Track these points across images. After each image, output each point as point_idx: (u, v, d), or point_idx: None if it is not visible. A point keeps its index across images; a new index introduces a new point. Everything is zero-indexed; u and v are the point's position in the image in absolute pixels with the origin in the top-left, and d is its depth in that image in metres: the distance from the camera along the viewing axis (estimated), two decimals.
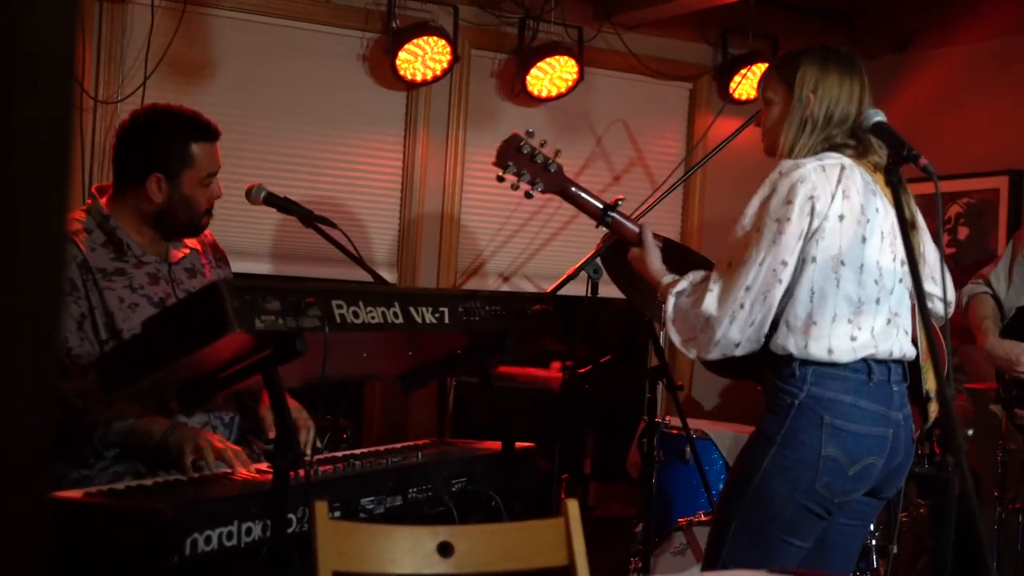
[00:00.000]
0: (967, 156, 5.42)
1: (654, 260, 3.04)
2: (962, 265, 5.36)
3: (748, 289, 2.76)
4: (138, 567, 2.45)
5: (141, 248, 3.28)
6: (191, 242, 3.45)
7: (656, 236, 3.12)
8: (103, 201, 3.30)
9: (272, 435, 3.20)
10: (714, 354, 2.87)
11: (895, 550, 4.25)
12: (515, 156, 3.13)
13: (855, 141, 2.89)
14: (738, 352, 2.84)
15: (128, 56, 4.70)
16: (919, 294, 2.39)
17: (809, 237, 2.77)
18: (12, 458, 0.85)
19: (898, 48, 5.95)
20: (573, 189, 3.16)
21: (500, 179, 3.14)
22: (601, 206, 3.12)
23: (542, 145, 3.15)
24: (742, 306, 2.77)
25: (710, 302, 2.79)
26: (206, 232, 3.52)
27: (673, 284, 2.93)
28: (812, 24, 5.90)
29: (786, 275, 2.77)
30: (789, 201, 2.75)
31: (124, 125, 3.35)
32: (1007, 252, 3.86)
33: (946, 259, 5.43)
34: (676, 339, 2.92)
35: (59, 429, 2.79)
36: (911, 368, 2.96)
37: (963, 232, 5.57)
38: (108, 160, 4.65)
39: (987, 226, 5.47)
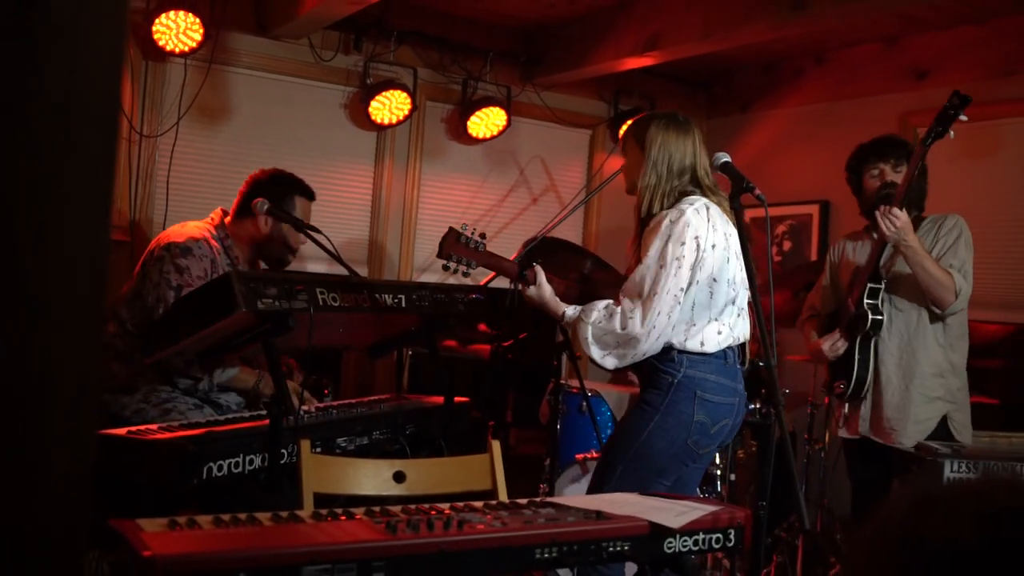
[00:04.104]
0: (790, 189, 5.50)
1: (548, 296, 2.95)
2: (786, 268, 5.44)
3: (660, 313, 2.75)
4: (167, 488, 2.44)
5: (244, 264, 3.42)
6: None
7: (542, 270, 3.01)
8: (227, 221, 3.42)
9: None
10: (628, 363, 2.84)
11: (733, 478, 4.32)
12: (455, 247, 2.96)
13: (698, 186, 2.88)
14: (646, 357, 2.83)
15: (166, 101, 4.63)
16: (754, 293, 2.44)
17: (695, 266, 2.77)
18: (64, 405, 0.85)
19: (742, 109, 6.02)
20: (493, 259, 3.02)
21: (445, 268, 2.97)
22: (516, 269, 2.99)
23: (472, 233, 2.99)
24: (655, 325, 2.76)
25: (634, 326, 2.76)
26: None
27: (585, 314, 2.85)
28: (681, 88, 5.96)
29: (683, 298, 2.77)
30: (683, 243, 2.75)
31: (257, 175, 3.48)
32: (818, 283, 3.91)
33: (774, 263, 5.53)
34: (596, 354, 2.84)
35: (185, 368, 2.87)
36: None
37: (787, 245, 5.65)
38: (148, 179, 4.63)
39: (804, 241, 5.56)
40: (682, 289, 2.76)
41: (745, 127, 5.96)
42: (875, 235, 3.56)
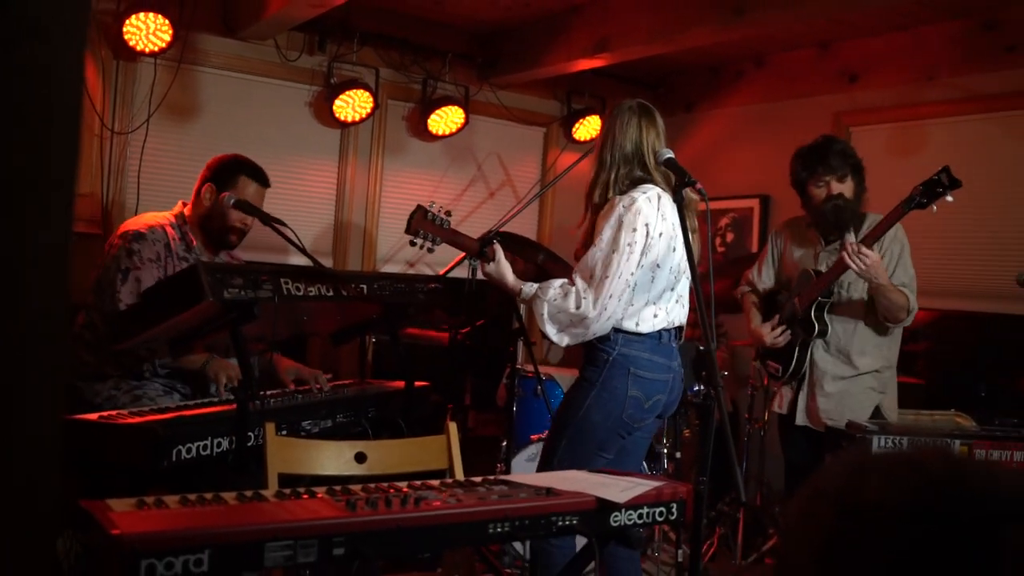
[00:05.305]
0: (733, 184, 5.55)
1: (507, 272, 2.96)
2: (728, 258, 5.50)
3: (611, 296, 2.75)
4: (139, 470, 2.41)
5: (201, 249, 3.33)
6: (227, 256, 3.47)
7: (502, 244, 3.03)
8: (186, 210, 3.35)
9: (291, 386, 3.33)
10: (579, 341, 2.84)
11: (679, 456, 4.37)
12: (422, 223, 2.96)
13: (648, 173, 2.86)
14: (596, 336, 2.84)
15: (137, 99, 4.57)
16: (695, 280, 2.46)
17: (644, 251, 2.78)
18: (32, 391, 0.84)
19: (687, 109, 6.06)
20: (456, 236, 3.04)
21: (412, 243, 2.98)
22: (476, 246, 3.01)
23: (439, 211, 3.01)
24: (606, 307, 2.76)
25: (587, 306, 2.76)
26: (238, 256, 3.51)
27: (541, 291, 2.85)
28: (629, 88, 5.97)
29: (632, 281, 2.78)
30: (634, 229, 2.75)
31: (211, 160, 3.41)
32: (759, 258, 3.94)
33: (717, 254, 5.58)
34: (551, 331, 2.83)
35: (131, 353, 2.82)
36: None
37: (730, 236, 5.70)
38: (119, 174, 4.56)
39: (745, 233, 5.61)
40: (632, 273, 2.77)
41: (690, 126, 6.00)
42: (819, 246, 3.59)
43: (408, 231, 2.98)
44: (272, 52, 4.89)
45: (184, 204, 3.38)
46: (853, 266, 3.25)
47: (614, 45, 4.72)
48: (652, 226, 2.78)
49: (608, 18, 4.74)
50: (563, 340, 2.86)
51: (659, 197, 2.82)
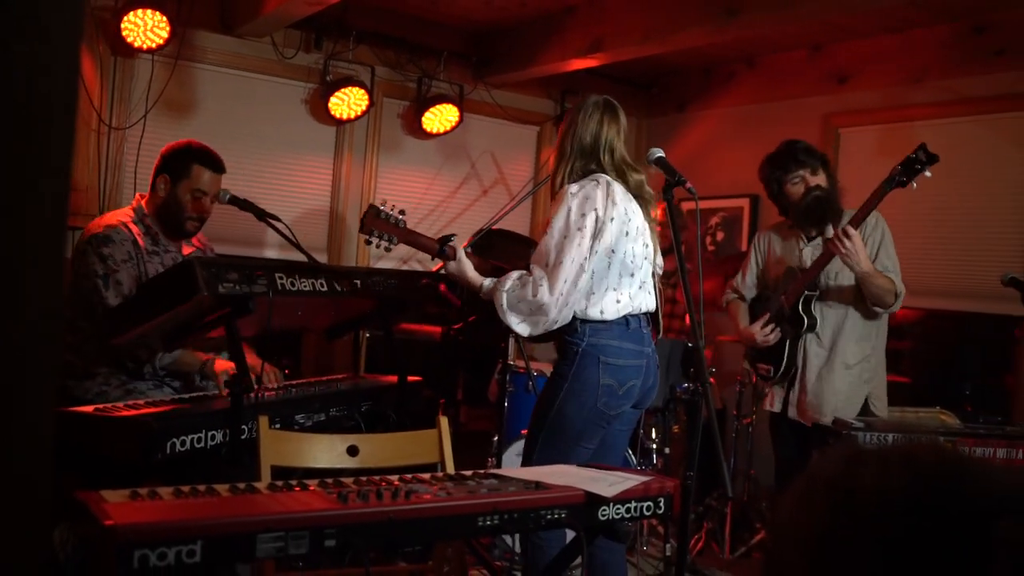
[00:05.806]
0: (723, 183, 5.56)
1: (468, 270, 2.97)
2: (719, 256, 5.51)
3: (566, 281, 2.75)
4: (134, 463, 2.42)
5: (166, 240, 3.29)
6: (196, 243, 3.43)
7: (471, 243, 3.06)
8: (144, 203, 3.32)
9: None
10: (541, 330, 2.84)
11: (668, 451, 4.38)
12: (375, 223, 2.94)
13: (601, 168, 2.88)
14: (557, 327, 2.83)
15: (134, 96, 4.56)
16: (684, 279, 2.46)
17: (595, 236, 2.78)
18: (29, 389, 0.84)
19: (679, 109, 6.07)
20: (413, 236, 3.03)
21: (368, 243, 2.96)
22: (435, 246, 3.01)
23: (392, 209, 2.98)
24: (563, 293, 2.76)
25: (543, 293, 2.75)
26: (204, 239, 3.48)
27: (500, 283, 2.85)
28: (623, 88, 5.98)
29: (587, 265, 2.78)
30: (583, 214, 2.76)
31: (163, 150, 3.36)
32: (743, 265, 3.94)
33: (707, 251, 5.59)
34: (513, 321, 2.83)
35: (129, 350, 2.80)
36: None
37: (720, 235, 5.72)
38: (117, 169, 4.56)
39: (736, 232, 5.62)
40: (585, 258, 2.77)
41: (682, 125, 6.01)
42: (801, 243, 3.60)
43: (362, 231, 2.96)
44: (269, 49, 4.89)
45: (142, 196, 3.35)
46: (838, 250, 3.27)
47: (608, 45, 4.73)
48: (601, 210, 2.78)
49: (602, 18, 4.75)
50: (525, 330, 2.85)
51: (608, 184, 2.83)
